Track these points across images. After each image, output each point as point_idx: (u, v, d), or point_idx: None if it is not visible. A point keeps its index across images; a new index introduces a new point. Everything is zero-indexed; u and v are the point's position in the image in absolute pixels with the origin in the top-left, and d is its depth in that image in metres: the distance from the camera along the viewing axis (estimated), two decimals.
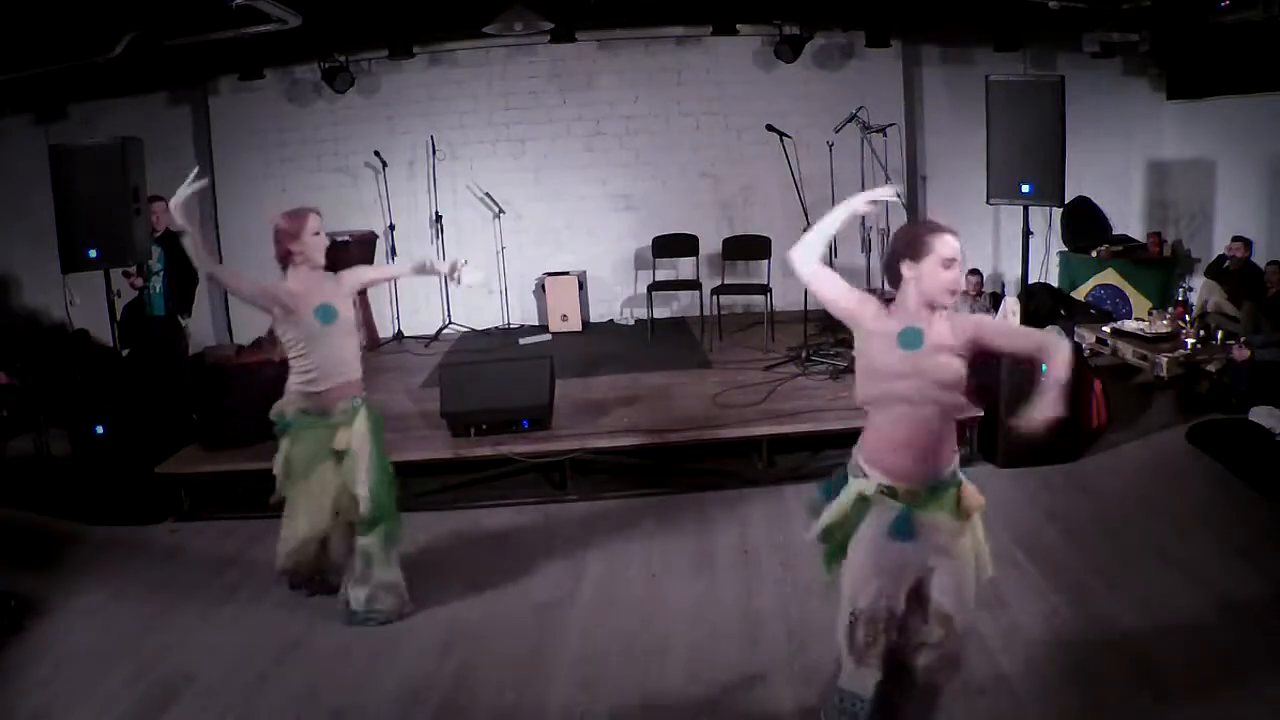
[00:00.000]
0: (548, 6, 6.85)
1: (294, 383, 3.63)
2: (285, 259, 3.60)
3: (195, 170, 3.62)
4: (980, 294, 7.93)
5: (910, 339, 2.49)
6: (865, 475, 2.57)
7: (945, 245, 2.46)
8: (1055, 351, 2.46)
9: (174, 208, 3.49)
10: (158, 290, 6.10)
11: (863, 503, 2.56)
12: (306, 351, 3.58)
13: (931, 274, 2.46)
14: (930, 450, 2.52)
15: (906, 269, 2.51)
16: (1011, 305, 7.40)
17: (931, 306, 2.49)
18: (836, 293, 2.59)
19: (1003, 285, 8.71)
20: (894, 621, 2.55)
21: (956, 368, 2.50)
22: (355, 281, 3.79)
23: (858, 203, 2.65)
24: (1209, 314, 6.93)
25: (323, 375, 3.59)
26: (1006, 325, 2.56)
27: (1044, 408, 2.40)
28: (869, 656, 2.56)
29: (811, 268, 2.59)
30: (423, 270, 4.04)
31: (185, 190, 3.52)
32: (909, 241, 2.52)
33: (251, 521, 4.94)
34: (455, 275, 3.85)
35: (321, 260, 3.61)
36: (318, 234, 3.59)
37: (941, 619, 2.57)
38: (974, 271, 7.90)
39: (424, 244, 8.26)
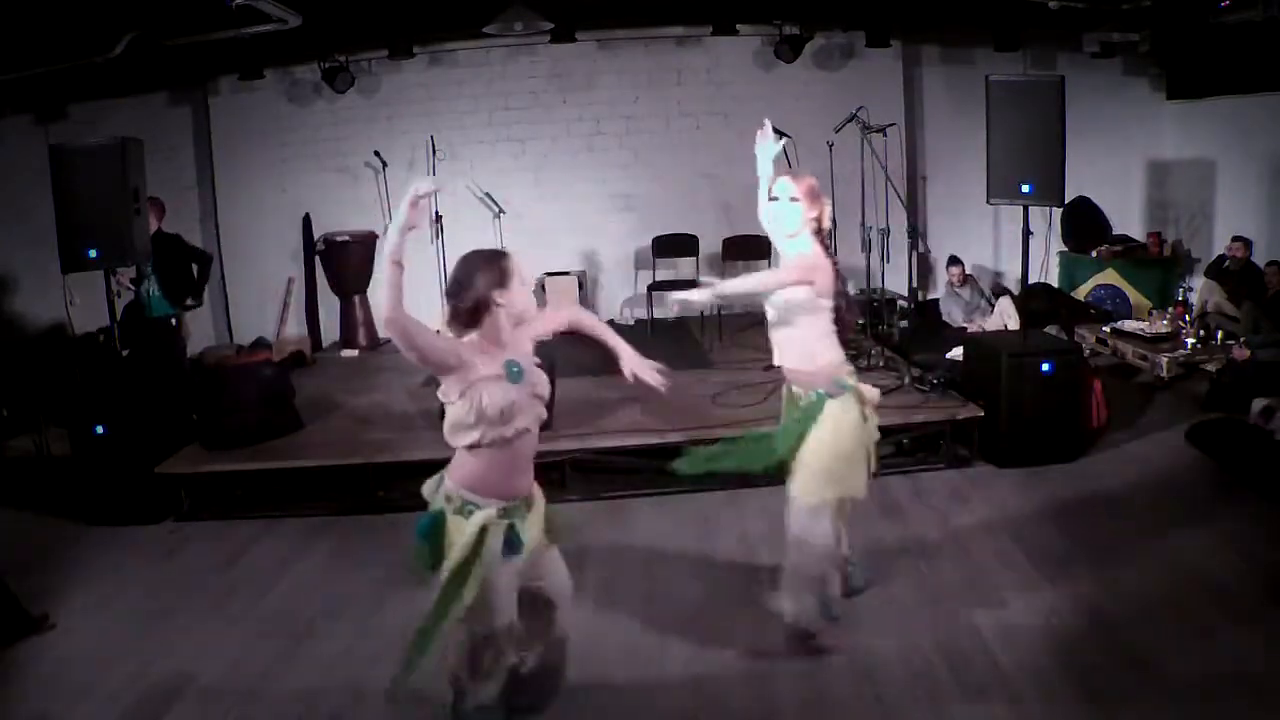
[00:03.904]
0: (548, 6, 6.86)
1: None
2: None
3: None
4: (965, 282, 7.96)
5: (515, 372, 2.71)
6: (477, 506, 2.66)
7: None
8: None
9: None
10: (152, 293, 6.10)
11: (483, 532, 2.64)
12: None
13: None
14: (530, 462, 2.82)
15: (499, 296, 2.67)
16: (1006, 306, 7.40)
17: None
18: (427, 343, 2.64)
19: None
20: (515, 634, 2.81)
21: (545, 377, 2.76)
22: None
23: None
24: (1209, 314, 6.94)
25: None
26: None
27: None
28: (495, 672, 2.80)
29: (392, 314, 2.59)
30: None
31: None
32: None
33: (251, 521, 4.95)
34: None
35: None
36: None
37: (557, 610, 2.90)
38: (955, 260, 7.95)
39: (423, 244, 8.22)
